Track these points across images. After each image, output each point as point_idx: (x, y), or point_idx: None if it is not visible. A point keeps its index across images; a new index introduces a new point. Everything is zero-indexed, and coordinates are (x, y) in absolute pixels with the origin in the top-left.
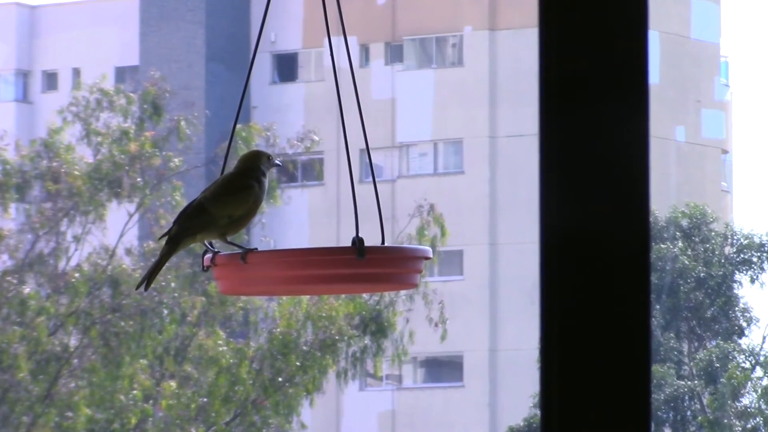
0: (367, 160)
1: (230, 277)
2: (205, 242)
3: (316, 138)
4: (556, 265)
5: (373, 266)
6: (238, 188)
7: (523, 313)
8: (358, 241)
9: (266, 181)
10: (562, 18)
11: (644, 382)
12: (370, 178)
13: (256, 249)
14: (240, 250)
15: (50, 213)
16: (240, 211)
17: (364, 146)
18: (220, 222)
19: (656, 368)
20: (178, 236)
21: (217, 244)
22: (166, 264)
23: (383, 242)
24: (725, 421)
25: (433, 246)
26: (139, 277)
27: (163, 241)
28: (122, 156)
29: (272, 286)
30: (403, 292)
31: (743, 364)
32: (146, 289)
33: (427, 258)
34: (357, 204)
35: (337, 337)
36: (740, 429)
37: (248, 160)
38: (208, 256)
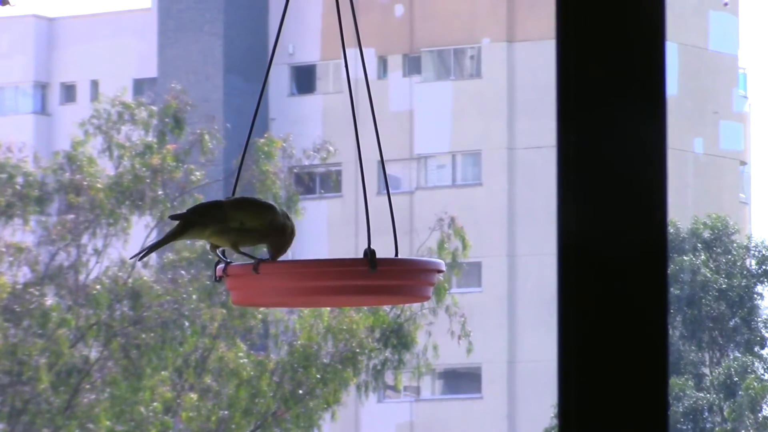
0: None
1: (242, 287)
2: (218, 252)
3: (331, 149)
4: (574, 276)
5: (385, 278)
6: (261, 203)
7: (542, 325)
8: (370, 252)
9: (278, 231)
10: (579, 30)
11: (662, 392)
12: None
13: (269, 259)
14: (252, 261)
15: (71, 225)
16: (253, 222)
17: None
18: (231, 224)
19: (674, 381)
20: (188, 219)
21: (232, 255)
22: (189, 279)
23: (396, 254)
24: (742, 431)
25: (454, 259)
26: (161, 289)
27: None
28: (144, 169)
29: (284, 297)
30: (426, 305)
31: (764, 376)
32: (140, 260)
33: (440, 271)
34: (370, 215)
35: (357, 350)
36: None
37: (289, 217)
38: (221, 266)
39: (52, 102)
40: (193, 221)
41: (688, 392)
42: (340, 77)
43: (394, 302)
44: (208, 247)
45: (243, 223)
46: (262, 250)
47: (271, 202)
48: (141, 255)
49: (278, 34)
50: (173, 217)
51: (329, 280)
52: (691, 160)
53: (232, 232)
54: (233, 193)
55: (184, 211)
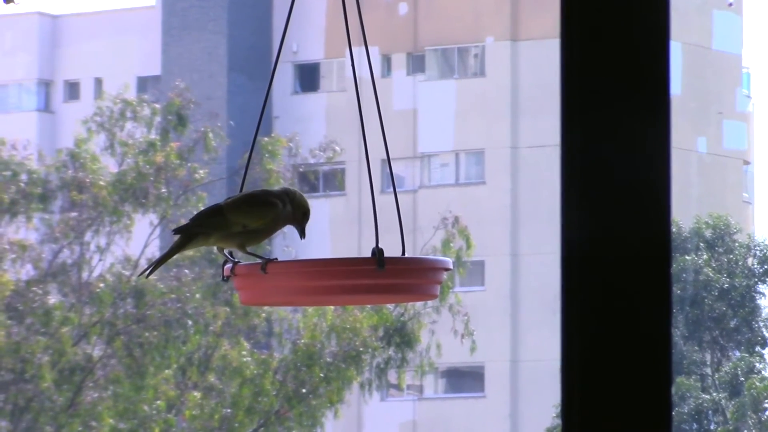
0: (389, 171)
1: (251, 287)
2: (225, 252)
3: (337, 149)
4: (578, 275)
5: (393, 277)
6: (261, 202)
7: (545, 324)
8: (378, 251)
9: (288, 218)
10: (583, 29)
11: (665, 392)
12: (391, 189)
13: (277, 259)
14: (260, 261)
15: (75, 223)
16: (256, 224)
17: (385, 156)
18: (234, 228)
19: (681, 380)
20: (190, 231)
21: (239, 254)
22: (193, 278)
23: (404, 253)
24: (745, 431)
25: (458, 258)
26: (164, 288)
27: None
28: (147, 167)
29: (292, 297)
30: (429, 304)
31: None
32: (147, 276)
33: (448, 269)
34: (378, 214)
35: (361, 349)
36: None
37: (289, 193)
38: (228, 266)
39: (56, 99)
40: (196, 232)
41: (693, 393)
42: (343, 75)
43: (402, 301)
44: (214, 247)
45: (246, 225)
46: (267, 249)
47: (274, 191)
48: (148, 271)
49: (284, 33)
50: (176, 231)
51: (338, 280)
52: (695, 159)
53: (236, 235)
54: (240, 191)
55: (186, 222)
